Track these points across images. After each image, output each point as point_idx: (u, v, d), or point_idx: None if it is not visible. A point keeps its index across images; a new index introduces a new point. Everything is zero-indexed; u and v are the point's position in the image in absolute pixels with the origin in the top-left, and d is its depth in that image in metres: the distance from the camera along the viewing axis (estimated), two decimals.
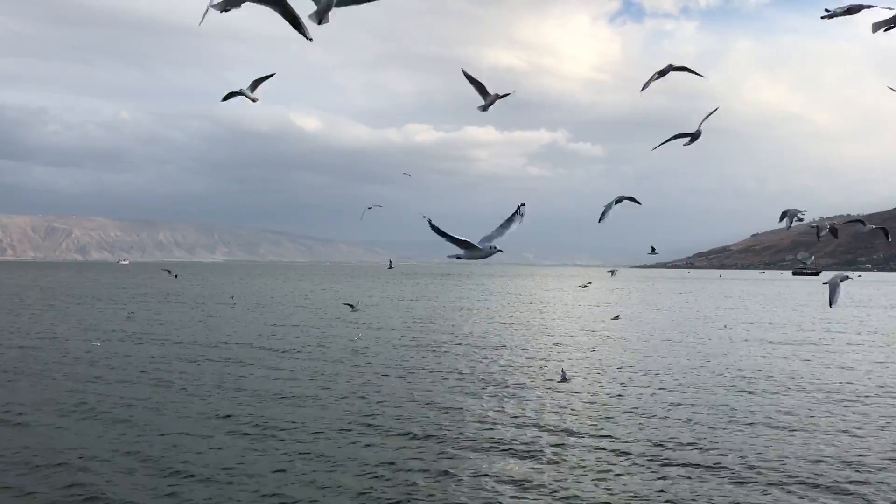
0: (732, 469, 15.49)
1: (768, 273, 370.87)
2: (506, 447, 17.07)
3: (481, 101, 13.39)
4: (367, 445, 17.14)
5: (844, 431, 18.83)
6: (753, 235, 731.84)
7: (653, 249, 24.76)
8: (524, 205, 13.32)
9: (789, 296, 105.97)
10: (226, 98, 15.83)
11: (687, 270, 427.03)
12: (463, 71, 13.37)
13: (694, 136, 13.10)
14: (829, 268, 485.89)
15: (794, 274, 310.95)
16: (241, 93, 16.93)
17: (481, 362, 29.93)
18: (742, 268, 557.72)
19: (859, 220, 20.08)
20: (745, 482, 14.74)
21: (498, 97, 13.57)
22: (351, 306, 48.64)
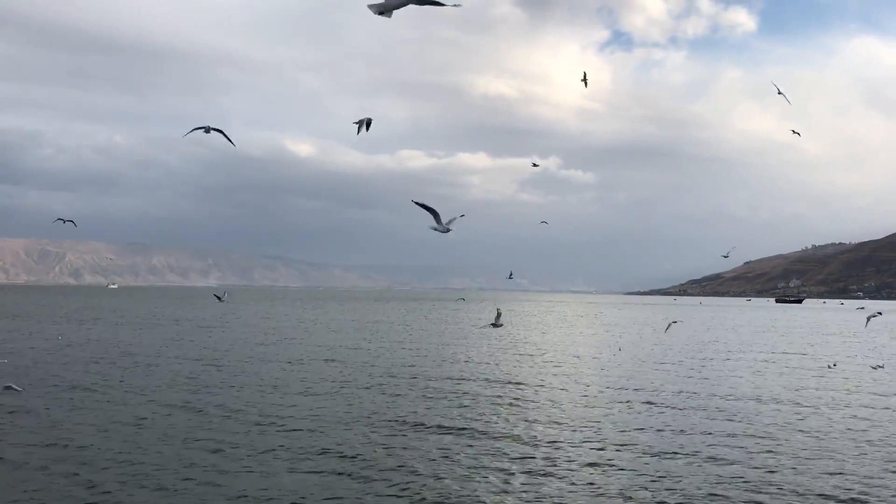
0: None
1: (755, 300, 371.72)
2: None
3: (433, 224, 14.85)
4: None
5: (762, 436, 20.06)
6: (746, 263, 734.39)
7: (510, 275, 26.59)
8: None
9: (731, 320, 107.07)
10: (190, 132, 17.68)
11: (674, 298, 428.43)
12: (413, 201, 14.82)
13: None
14: (821, 296, 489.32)
15: (777, 301, 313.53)
16: (206, 129, 18.80)
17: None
18: (735, 295, 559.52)
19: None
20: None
21: (452, 221, 15.17)
22: (217, 297, 50.90)
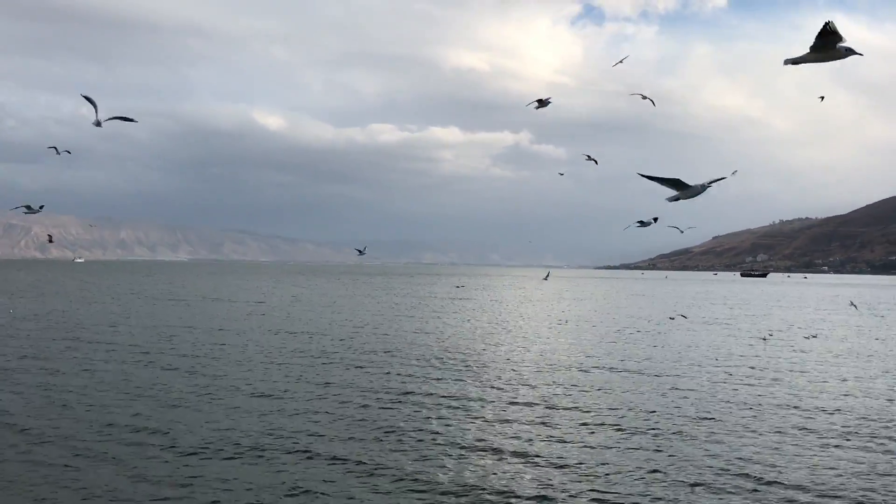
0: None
1: (721, 274, 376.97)
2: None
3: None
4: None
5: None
6: (715, 238, 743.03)
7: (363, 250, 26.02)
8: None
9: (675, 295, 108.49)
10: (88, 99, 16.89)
11: (641, 272, 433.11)
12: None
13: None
14: (788, 270, 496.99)
15: (742, 275, 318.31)
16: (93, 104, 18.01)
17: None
18: (703, 269, 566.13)
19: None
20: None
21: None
22: None
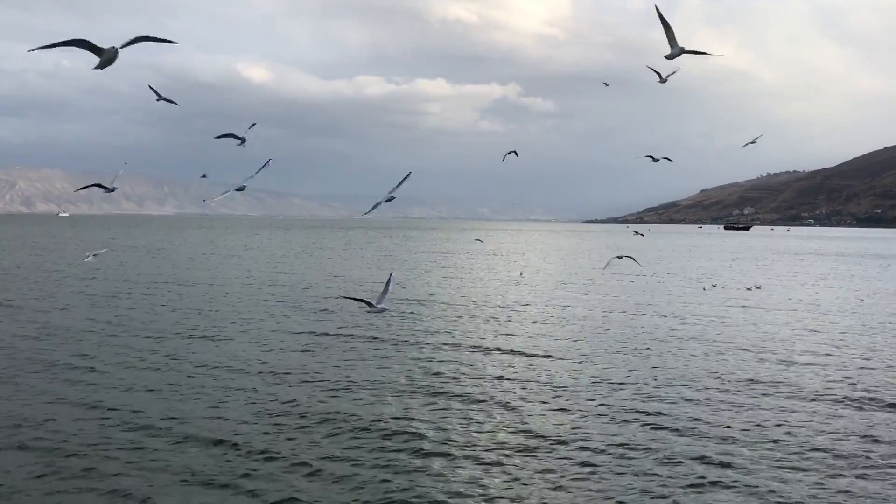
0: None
1: (706, 228, 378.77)
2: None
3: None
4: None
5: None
6: (702, 191, 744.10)
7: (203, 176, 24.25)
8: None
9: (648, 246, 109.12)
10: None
11: (626, 226, 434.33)
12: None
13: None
14: (774, 223, 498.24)
15: (725, 228, 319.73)
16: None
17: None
18: (691, 223, 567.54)
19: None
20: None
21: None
22: None
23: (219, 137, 16.50)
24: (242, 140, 17.23)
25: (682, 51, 13.48)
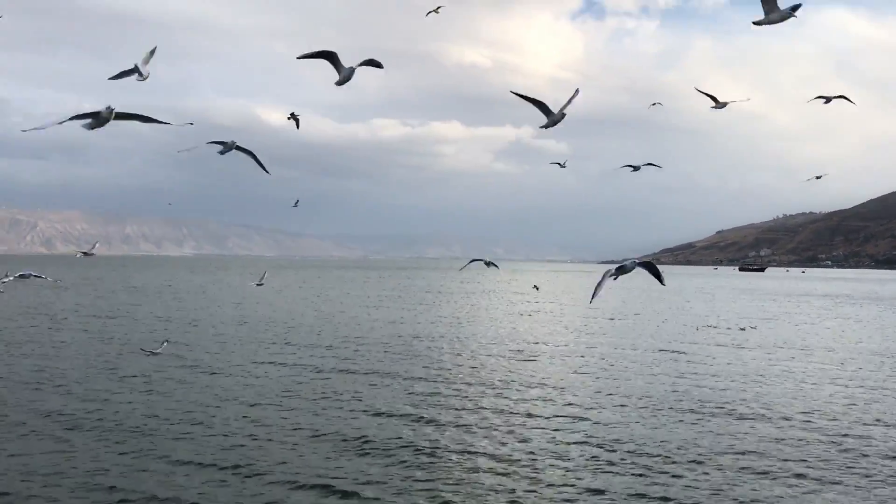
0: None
1: (721, 269, 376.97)
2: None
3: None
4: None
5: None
6: (718, 232, 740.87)
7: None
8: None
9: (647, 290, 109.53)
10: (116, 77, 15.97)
11: None
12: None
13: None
14: (791, 265, 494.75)
15: (740, 270, 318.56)
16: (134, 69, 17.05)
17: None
18: (706, 264, 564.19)
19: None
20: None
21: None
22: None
23: (211, 143, 16.96)
24: (226, 146, 17.30)
25: (563, 116, 14.05)
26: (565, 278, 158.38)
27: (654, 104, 27.68)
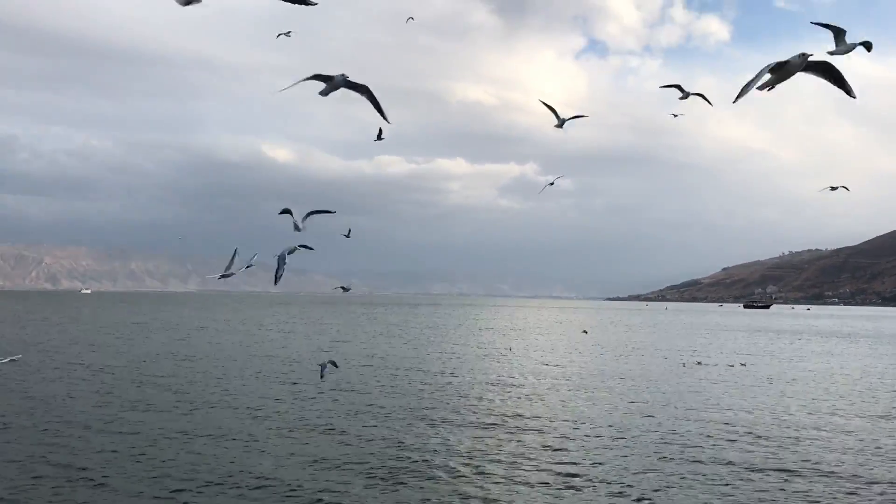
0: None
1: (726, 306, 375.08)
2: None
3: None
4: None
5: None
6: (724, 269, 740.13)
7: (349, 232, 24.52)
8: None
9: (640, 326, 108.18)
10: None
11: (645, 304, 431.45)
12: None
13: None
14: (797, 301, 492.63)
15: (745, 307, 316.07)
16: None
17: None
18: (712, 301, 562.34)
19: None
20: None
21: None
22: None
23: (282, 213, 16.18)
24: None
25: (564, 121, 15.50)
26: (577, 316, 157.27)
27: (676, 115, 27.14)
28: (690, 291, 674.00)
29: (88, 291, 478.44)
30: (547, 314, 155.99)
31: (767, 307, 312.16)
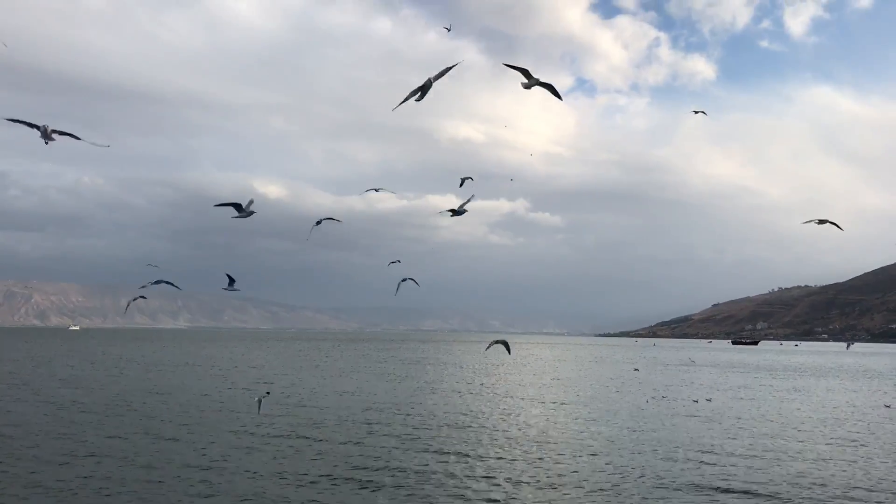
0: None
1: (715, 342, 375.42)
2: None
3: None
4: None
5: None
6: (714, 305, 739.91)
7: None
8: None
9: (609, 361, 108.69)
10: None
11: (635, 340, 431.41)
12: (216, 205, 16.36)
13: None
14: (787, 338, 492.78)
15: (733, 343, 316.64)
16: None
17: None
18: (703, 337, 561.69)
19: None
20: None
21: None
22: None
23: (218, 206, 17.64)
24: (240, 209, 17.88)
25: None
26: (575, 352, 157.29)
27: (697, 111, 27.32)
28: (681, 327, 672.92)
29: (77, 328, 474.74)
30: (525, 350, 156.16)
31: (756, 343, 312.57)
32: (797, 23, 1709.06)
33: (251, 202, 18.17)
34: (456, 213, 20.17)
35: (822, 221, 21.88)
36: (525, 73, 16.37)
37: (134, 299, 20.49)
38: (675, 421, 34.40)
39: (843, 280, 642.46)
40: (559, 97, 17.06)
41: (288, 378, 57.68)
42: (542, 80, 16.46)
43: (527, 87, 16.53)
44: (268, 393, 22.71)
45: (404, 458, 23.51)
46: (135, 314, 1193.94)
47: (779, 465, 23.65)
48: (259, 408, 23.70)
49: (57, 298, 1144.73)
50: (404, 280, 24.17)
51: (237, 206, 17.69)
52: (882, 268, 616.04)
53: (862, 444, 28.54)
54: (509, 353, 23.54)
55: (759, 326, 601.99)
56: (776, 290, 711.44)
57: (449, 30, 26.47)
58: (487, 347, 26.80)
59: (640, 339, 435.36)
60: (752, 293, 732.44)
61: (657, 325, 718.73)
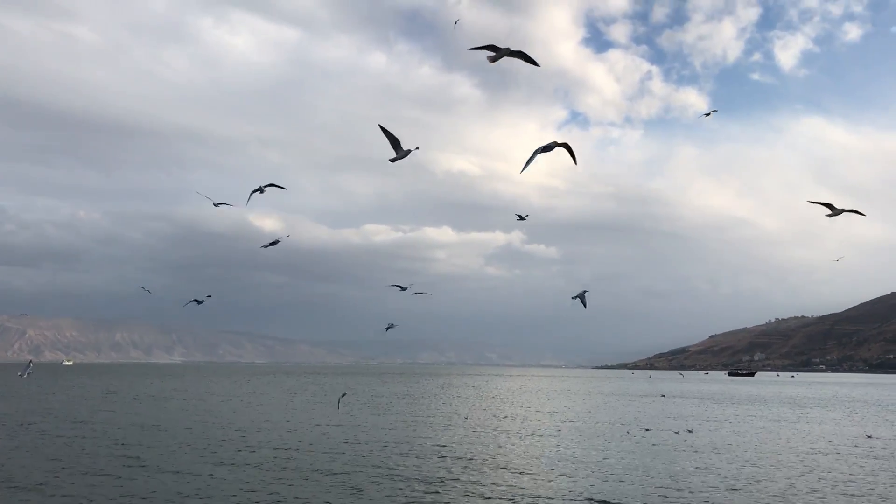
0: None
1: (712, 374, 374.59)
2: None
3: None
4: None
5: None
6: (712, 336, 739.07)
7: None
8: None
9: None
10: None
11: (632, 372, 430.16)
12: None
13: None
14: (785, 369, 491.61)
15: (729, 375, 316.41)
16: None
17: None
18: (700, 368, 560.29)
19: None
20: None
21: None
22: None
23: (186, 304, 19.73)
24: (201, 301, 20.19)
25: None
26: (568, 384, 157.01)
27: (710, 112, 27.59)
28: (679, 359, 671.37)
29: (70, 363, 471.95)
30: (512, 383, 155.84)
31: (752, 374, 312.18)
32: (787, 56, 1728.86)
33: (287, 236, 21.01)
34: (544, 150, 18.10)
35: (833, 210, 19.49)
36: (492, 47, 15.99)
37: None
38: (652, 450, 34.69)
39: (840, 311, 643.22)
40: (535, 63, 16.36)
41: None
42: (513, 48, 16.07)
43: (494, 59, 16.14)
44: (344, 394, 25.07)
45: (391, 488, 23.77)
46: (129, 349, 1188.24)
47: (757, 493, 23.98)
48: (339, 405, 25.55)
49: (51, 333, 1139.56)
50: (390, 327, 27.41)
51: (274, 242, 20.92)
52: (878, 298, 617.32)
53: (840, 472, 28.98)
54: None
55: (756, 357, 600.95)
56: (773, 320, 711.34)
57: (456, 23, 27.30)
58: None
59: (636, 371, 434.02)
60: (749, 324, 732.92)
61: (654, 356, 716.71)
